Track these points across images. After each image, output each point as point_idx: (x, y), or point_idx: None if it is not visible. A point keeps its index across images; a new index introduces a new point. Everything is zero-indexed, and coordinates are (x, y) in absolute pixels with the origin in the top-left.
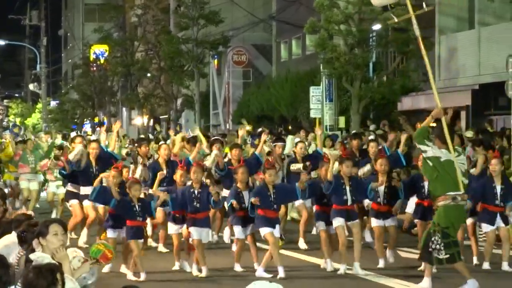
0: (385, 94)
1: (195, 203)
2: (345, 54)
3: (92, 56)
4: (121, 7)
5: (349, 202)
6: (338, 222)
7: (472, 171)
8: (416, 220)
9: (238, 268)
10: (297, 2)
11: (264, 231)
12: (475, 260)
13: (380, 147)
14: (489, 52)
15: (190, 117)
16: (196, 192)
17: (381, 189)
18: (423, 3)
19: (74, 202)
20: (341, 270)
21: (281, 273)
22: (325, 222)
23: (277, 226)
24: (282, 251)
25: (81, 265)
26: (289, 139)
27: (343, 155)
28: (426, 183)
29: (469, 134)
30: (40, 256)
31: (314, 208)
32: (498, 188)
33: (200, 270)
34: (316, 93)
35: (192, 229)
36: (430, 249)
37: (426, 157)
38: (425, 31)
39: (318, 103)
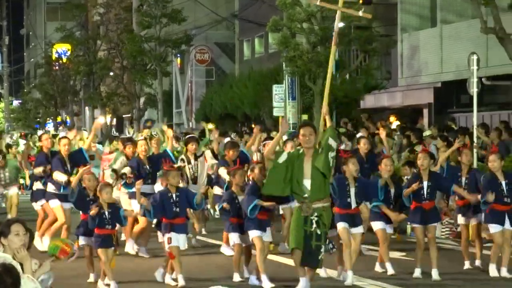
0: (348, 92)
1: (174, 208)
2: (308, 52)
3: (55, 55)
4: (84, 6)
5: (353, 205)
6: (342, 225)
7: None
8: (413, 225)
9: (237, 278)
10: (259, 0)
11: (253, 234)
12: (477, 263)
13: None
14: (451, 50)
15: (153, 115)
16: (174, 196)
17: (392, 191)
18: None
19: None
20: (349, 280)
21: (265, 283)
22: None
23: (268, 229)
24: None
25: (43, 264)
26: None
27: None
28: (425, 183)
29: (428, 132)
30: (1, 256)
31: None
32: (503, 184)
33: (175, 279)
34: (279, 91)
35: (171, 235)
36: (321, 251)
37: (331, 156)
38: (387, 29)
39: (281, 101)
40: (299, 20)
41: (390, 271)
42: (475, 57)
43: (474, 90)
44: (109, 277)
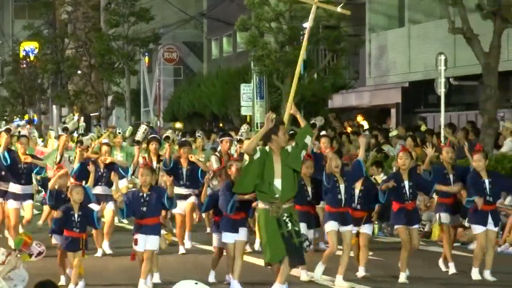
0: (315, 92)
1: (142, 208)
2: (276, 52)
3: (22, 53)
4: (51, 4)
5: (344, 203)
6: (331, 226)
7: None
8: (396, 227)
9: (212, 278)
10: None
11: (225, 238)
12: (451, 267)
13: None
14: (419, 49)
15: (121, 114)
16: (144, 195)
17: (356, 192)
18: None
19: None
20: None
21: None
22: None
23: (242, 229)
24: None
25: (7, 260)
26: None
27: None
28: (406, 183)
29: (395, 132)
30: None
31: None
32: (487, 183)
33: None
34: (247, 91)
35: (138, 237)
36: (304, 246)
37: (303, 154)
38: (355, 29)
39: (249, 100)
40: (267, 20)
41: (360, 274)
42: (442, 57)
43: (441, 90)
44: (73, 281)
